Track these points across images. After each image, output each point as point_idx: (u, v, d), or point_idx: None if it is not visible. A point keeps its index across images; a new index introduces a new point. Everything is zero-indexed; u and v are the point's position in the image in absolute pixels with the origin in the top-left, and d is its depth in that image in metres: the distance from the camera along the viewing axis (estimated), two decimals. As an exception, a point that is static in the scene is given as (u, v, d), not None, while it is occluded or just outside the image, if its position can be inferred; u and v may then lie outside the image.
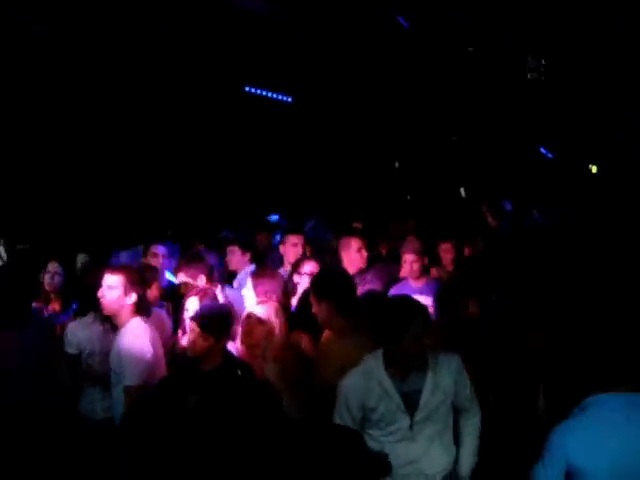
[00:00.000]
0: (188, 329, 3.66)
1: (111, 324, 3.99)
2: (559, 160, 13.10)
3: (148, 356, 3.71)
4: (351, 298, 3.75)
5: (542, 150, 13.07)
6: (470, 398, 3.17)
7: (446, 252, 5.99)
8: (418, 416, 2.99)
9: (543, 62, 4.21)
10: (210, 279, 4.86)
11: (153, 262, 5.46)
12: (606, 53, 6.42)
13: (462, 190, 12.68)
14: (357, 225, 7.56)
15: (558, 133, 11.29)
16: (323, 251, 6.02)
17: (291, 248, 5.49)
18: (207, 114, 9.34)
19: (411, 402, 2.99)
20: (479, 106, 9.70)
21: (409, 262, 5.10)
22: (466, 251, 6.31)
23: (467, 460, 3.16)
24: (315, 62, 8.90)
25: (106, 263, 6.00)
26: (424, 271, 5.14)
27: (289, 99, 10.25)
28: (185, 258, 5.19)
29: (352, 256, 5.18)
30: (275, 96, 10.07)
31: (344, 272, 4.33)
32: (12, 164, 7.40)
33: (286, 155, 10.74)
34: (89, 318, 4.17)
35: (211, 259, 5.51)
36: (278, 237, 7.45)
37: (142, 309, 3.94)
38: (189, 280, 4.82)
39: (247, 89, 9.67)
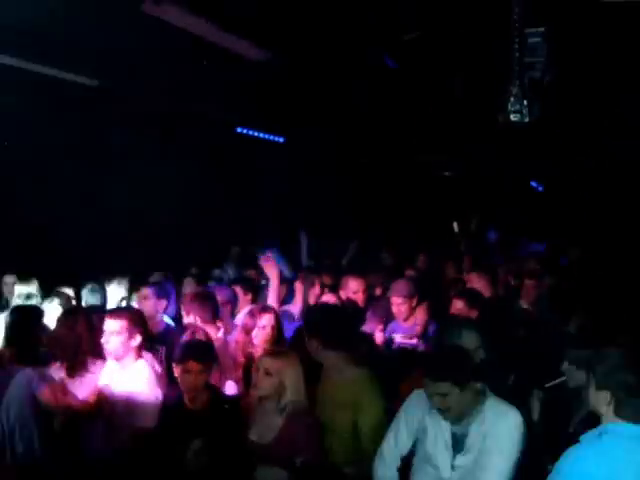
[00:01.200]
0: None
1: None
2: (549, 192, 13.29)
3: (160, 398, 3.81)
4: (342, 333, 3.76)
5: (533, 184, 13.27)
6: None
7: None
8: (460, 459, 2.96)
9: (525, 103, 4.34)
10: (207, 319, 4.79)
11: (145, 305, 5.28)
12: (588, 87, 6.60)
13: (455, 225, 12.79)
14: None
15: (547, 167, 11.44)
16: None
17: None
18: (201, 154, 9.49)
19: (459, 444, 2.98)
20: (467, 143, 9.90)
21: (397, 304, 5.22)
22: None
23: None
24: (305, 103, 9.06)
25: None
26: (412, 311, 5.24)
27: (280, 139, 10.42)
28: (189, 297, 5.11)
29: (349, 296, 5.27)
30: (267, 137, 10.25)
31: (335, 307, 4.35)
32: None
33: (278, 193, 10.86)
34: None
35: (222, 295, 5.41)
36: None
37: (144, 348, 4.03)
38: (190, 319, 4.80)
39: (239, 130, 9.85)
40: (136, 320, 4.01)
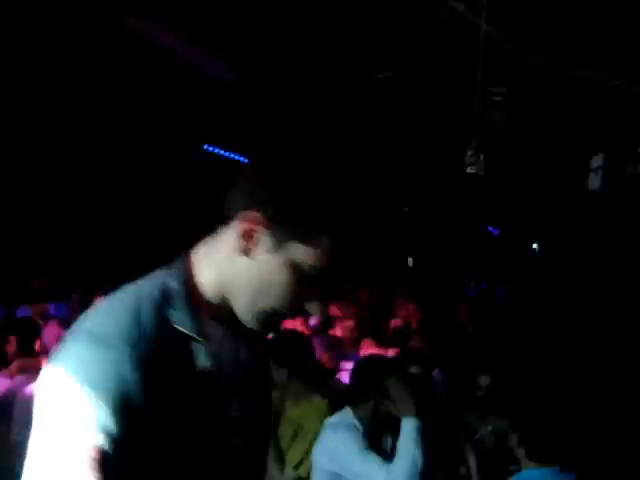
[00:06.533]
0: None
1: None
2: (504, 237, 13.54)
3: None
4: (307, 362, 3.80)
5: (489, 228, 13.52)
6: None
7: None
8: None
9: (482, 157, 4.48)
10: None
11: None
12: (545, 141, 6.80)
13: (410, 260, 12.96)
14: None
15: (502, 213, 11.67)
16: None
17: None
18: (165, 170, 9.42)
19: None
20: (427, 185, 10.07)
21: (345, 327, 5.25)
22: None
23: None
24: (273, 122, 9.10)
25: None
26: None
27: (245, 159, 10.42)
28: None
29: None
30: (232, 156, 10.23)
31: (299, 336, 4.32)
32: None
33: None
34: None
35: None
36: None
37: None
38: None
39: (205, 147, 9.83)
40: None
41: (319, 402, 3.61)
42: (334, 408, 3.53)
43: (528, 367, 5.21)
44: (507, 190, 8.40)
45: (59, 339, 3.55)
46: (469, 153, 4.52)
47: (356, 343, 5.38)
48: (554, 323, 7.49)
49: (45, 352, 4.18)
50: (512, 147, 5.02)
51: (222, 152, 10.03)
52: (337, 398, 3.75)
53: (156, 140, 8.64)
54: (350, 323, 5.40)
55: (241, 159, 10.29)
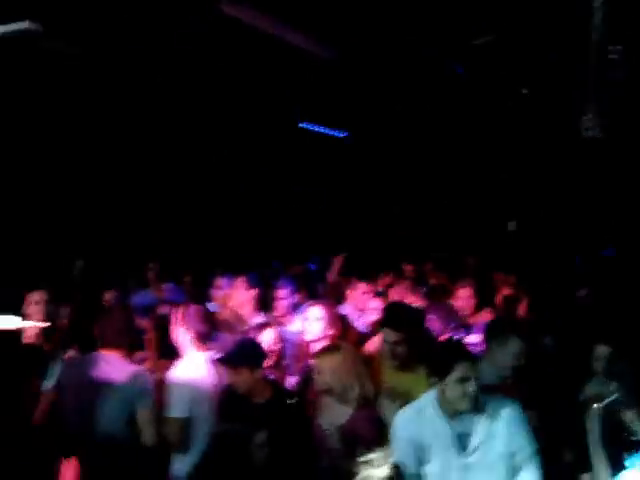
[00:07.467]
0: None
1: None
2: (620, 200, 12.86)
3: None
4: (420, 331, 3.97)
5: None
6: (528, 455, 3.03)
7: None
8: (470, 458, 2.99)
9: (599, 120, 4.32)
10: None
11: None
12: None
13: (511, 224, 12.54)
14: (408, 267, 7.65)
15: (620, 174, 11.04)
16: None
17: None
18: (263, 149, 9.60)
19: (463, 444, 3.01)
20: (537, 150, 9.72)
21: (464, 297, 5.20)
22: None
23: None
24: (371, 101, 9.07)
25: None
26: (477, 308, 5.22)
27: (344, 135, 10.41)
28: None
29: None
30: (330, 132, 10.26)
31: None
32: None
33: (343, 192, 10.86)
34: None
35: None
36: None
37: None
38: None
39: (302, 125, 9.90)
40: None
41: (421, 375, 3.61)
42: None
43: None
44: (626, 153, 8.03)
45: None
46: (586, 116, 4.38)
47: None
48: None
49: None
50: (632, 108, 4.78)
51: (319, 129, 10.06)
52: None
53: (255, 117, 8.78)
54: (468, 292, 5.30)
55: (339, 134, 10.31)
